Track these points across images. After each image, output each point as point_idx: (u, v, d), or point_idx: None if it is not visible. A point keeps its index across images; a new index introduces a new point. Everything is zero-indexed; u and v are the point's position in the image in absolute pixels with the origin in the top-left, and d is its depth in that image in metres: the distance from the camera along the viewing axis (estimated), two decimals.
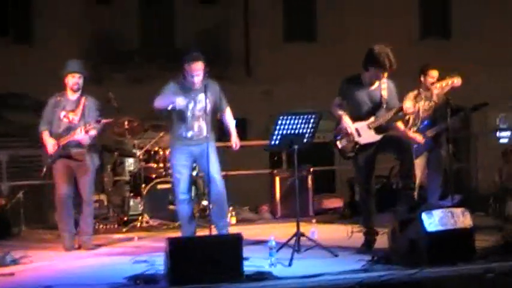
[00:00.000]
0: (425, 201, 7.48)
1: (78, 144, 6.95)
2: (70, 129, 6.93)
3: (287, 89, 15.82)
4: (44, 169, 7.16)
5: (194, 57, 6.51)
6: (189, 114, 6.63)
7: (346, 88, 6.37)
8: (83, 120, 6.94)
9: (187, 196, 6.78)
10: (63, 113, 7.01)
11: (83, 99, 7.06)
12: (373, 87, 6.32)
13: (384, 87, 6.30)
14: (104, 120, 6.95)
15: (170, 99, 6.43)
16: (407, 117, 6.61)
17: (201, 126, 6.69)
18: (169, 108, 6.47)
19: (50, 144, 6.96)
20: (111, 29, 15.36)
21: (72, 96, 7.07)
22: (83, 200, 7.08)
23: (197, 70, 6.50)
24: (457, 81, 6.44)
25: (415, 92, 7.43)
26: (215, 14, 15.89)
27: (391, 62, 6.10)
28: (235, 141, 6.80)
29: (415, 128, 7.53)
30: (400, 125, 7.46)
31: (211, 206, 6.87)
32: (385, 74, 6.23)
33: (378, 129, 6.27)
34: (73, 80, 7.02)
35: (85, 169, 7.02)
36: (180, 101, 6.43)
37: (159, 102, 6.51)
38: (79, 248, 7.04)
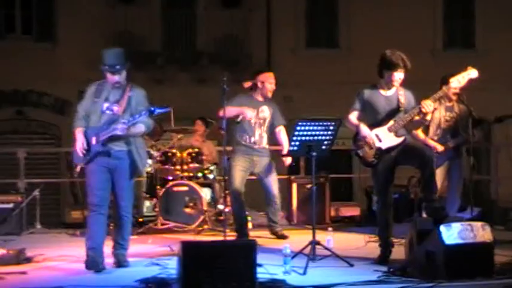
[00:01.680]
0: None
1: (121, 140, 5.93)
2: (113, 122, 5.87)
3: (307, 95, 15.76)
4: (78, 168, 6.12)
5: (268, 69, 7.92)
6: (253, 121, 7.56)
7: (365, 97, 6.27)
8: (129, 112, 5.93)
9: (240, 195, 7.62)
10: (106, 105, 5.97)
11: (128, 89, 6.05)
12: (390, 94, 6.23)
13: (401, 93, 6.23)
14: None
15: (241, 110, 7.44)
16: (427, 119, 6.41)
17: (262, 135, 7.69)
18: (239, 119, 7.45)
19: (80, 142, 5.92)
20: (133, 29, 15.39)
21: (115, 85, 6.04)
22: (120, 208, 6.02)
23: (273, 79, 7.75)
24: (473, 73, 6.27)
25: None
26: (237, 18, 15.87)
27: (405, 61, 6.10)
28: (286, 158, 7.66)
29: (435, 138, 7.44)
30: (420, 133, 7.39)
31: (269, 210, 7.95)
32: (401, 75, 6.15)
33: (398, 133, 6.17)
34: (112, 77, 5.99)
35: (125, 170, 5.99)
36: (249, 113, 7.46)
37: (231, 112, 7.24)
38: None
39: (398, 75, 6.14)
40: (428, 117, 6.31)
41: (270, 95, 7.80)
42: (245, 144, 7.62)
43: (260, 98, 7.76)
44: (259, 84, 7.72)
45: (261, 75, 7.78)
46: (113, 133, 5.83)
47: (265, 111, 7.76)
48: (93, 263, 5.80)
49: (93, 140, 5.92)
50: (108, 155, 5.91)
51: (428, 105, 6.06)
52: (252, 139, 7.62)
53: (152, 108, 5.80)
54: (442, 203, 7.29)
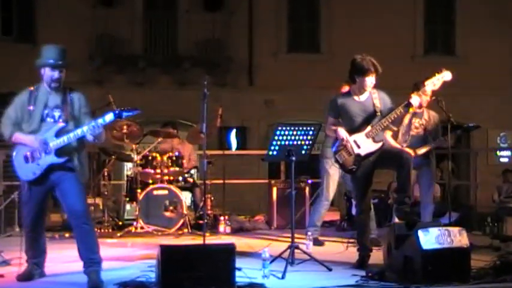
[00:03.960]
0: (419, 217, 7.43)
1: (71, 149, 5.40)
2: (59, 130, 5.34)
3: (288, 99, 15.81)
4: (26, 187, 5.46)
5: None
6: None
7: (338, 104, 6.24)
8: (73, 119, 5.42)
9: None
10: (46, 111, 5.40)
11: (67, 92, 5.47)
12: (364, 99, 6.20)
13: (375, 96, 6.20)
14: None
15: None
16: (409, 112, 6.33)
17: None
18: None
19: (35, 141, 5.30)
20: (114, 32, 15.35)
21: (52, 89, 5.45)
22: (78, 218, 5.40)
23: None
24: (447, 75, 6.29)
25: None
26: (219, 21, 15.88)
27: (375, 66, 6.08)
28: None
29: (404, 145, 7.46)
30: (390, 139, 7.36)
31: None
32: (373, 80, 6.14)
33: (375, 138, 6.17)
34: (51, 74, 5.39)
35: (74, 177, 5.42)
36: None
37: None
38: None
39: (370, 80, 6.13)
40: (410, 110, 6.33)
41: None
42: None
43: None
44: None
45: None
46: (74, 139, 5.32)
47: None
48: (29, 273, 5.58)
49: (38, 152, 5.31)
50: (62, 167, 5.35)
51: (417, 101, 6.13)
52: None
53: (118, 112, 5.28)
54: (417, 209, 7.37)
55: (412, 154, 7.34)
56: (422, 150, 7.46)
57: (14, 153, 5.49)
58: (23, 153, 5.40)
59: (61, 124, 5.37)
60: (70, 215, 5.51)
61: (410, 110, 6.35)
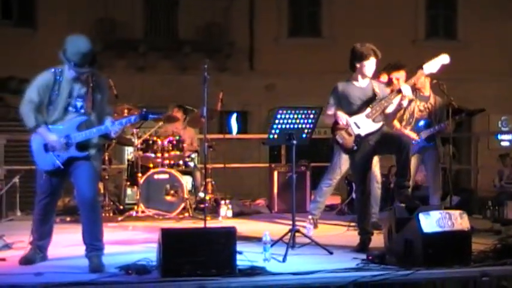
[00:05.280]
0: (421, 201, 7.43)
1: (91, 142, 5.39)
2: (82, 122, 5.31)
3: (289, 84, 15.78)
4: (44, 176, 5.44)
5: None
6: None
7: (339, 90, 6.29)
8: (95, 109, 5.34)
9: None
10: (69, 100, 5.29)
11: (90, 80, 5.31)
12: (364, 85, 6.26)
13: (375, 85, 6.29)
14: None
15: None
16: (404, 103, 6.43)
17: None
18: None
19: (57, 142, 5.28)
20: (115, 16, 15.29)
21: (76, 78, 5.30)
22: (86, 203, 5.40)
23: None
24: (445, 59, 6.29)
25: None
26: (220, 6, 15.82)
27: (375, 50, 6.13)
28: None
29: (409, 127, 7.46)
30: (396, 123, 7.39)
31: None
32: (373, 64, 6.17)
33: (375, 119, 6.20)
34: (75, 74, 5.25)
35: (89, 164, 5.38)
36: None
37: None
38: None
39: (370, 65, 6.18)
40: (404, 102, 6.33)
41: None
42: None
43: None
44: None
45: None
46: (96, 134, 5.32)
47: None
48: (33, 257, 5.59)
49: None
50: (80, 157, 5.34)
51: (407, 89, 6.15)
52: None
53: (143, 113, 5.37)
54: (417, 193, 7.37)
55: (416, 138, 7.35)
56: (425, 134, 7.46)
57: (33, 137, 5.45)
58: (43, 140, 5.37)
59: (83, 117, 5.33)
60: (79, 200, 5.53)
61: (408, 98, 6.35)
